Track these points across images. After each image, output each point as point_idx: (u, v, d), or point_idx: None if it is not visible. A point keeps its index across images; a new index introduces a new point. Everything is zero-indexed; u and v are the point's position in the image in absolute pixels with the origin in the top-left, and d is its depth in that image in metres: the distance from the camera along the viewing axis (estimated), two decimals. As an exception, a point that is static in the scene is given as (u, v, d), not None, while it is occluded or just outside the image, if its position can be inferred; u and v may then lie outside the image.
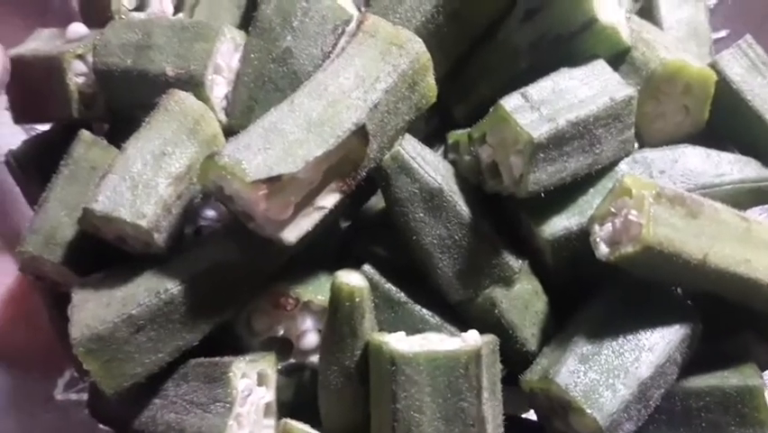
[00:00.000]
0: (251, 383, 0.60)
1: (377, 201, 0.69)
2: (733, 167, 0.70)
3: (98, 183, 0.58)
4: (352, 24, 0.62)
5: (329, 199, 0.59)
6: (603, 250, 0.60)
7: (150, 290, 0.58)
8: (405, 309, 0.64)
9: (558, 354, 0.61)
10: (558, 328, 0.65)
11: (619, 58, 0.68)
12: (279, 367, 0.63)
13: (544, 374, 0.60)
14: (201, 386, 0.59)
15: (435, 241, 0.63)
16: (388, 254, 0.67)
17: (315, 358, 0.63)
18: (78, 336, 0.55)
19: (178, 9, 0.73)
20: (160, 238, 0.58)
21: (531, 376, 0.62)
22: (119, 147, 0.65)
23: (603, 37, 0.65)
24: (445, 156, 0.69)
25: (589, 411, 0.57)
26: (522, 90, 0.63)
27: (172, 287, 0.58)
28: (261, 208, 0.55)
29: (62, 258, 0.62)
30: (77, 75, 0.68)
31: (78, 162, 0.64)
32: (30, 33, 0.72)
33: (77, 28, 0.68)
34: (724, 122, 0.71)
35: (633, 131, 0.66)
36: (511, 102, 0.62)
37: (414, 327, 0.63)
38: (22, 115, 0.72)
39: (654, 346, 0.61)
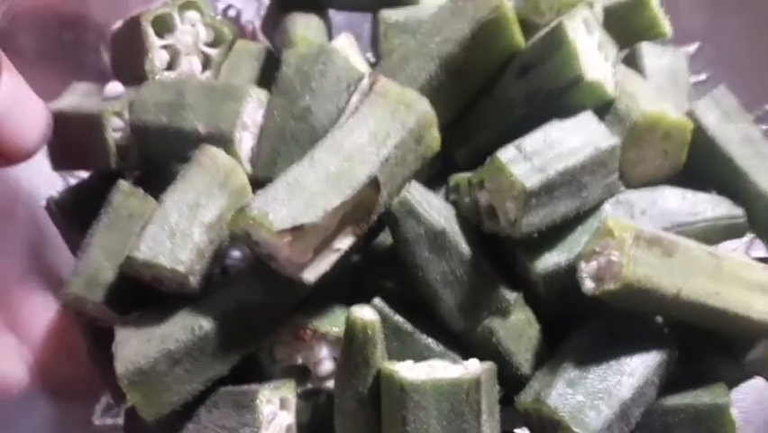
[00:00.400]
0: (275, 408, 0.65)
1: (385, 238, 0.74)
2: (707, 206, 0.76)
3: (140, 233, 0.63)
4: (365, 84, 0.68)
5: (344, 242, 0.65)
6: (589, 285, 0.66)
7: (186, 327, 0.64)
8: (412, 339, 0.70)
9: (549, 378, 0.67)
10: (549, 354, 0.71)
11: (605, 108, 0.74)
12: (299, 392, 0.68)
13: (536, 396, 0.66)
14: (230, 412, 0.64)
15: (439, 277, 0.69)
16: (396, 288, 0.72)
17: (330, 384, 0.68)
18: (123, 370, 0.61)
19: (205, 66, 0.78)
20: (194, 280, 0.64)
21: (525, 398, 0.67)
22: (151, 192, 0.71)
23: (590, 92, 0.71)
24: (447, 196, 0.74)
25: (576, 430, 0.63)
26: (516, 142, 0.69)
27: (205, 324, 0.64)
28: (285, 253, 0.61)
29: (104, 298, 0.67)
30: (115, 130, 0.73)
31: (117, 210, 0.69)
32: (64, 86, 0.77)
33: (115, 87, 0.74)
34: (700, 165, 0.78)
35: (617, 175, 0.72)
36: (507, 153, 0.68)
37: (420, 355, 0.68)
38: (60, 163, 0.78)
39: (634, 371, 0.67)
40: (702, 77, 0.93)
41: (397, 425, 0.62)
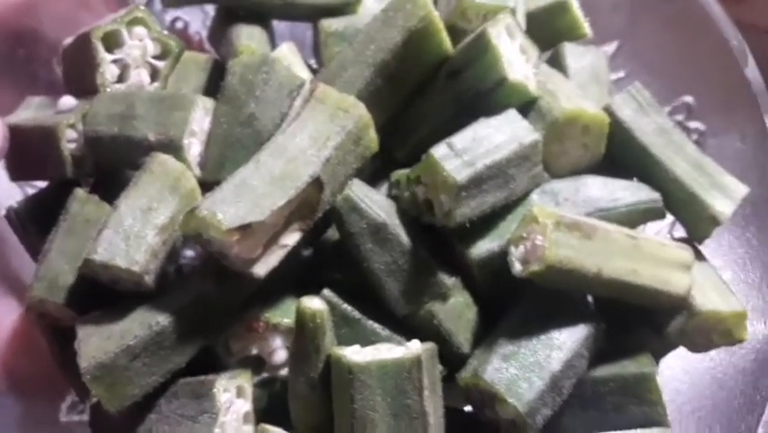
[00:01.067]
0: (232, 396, 0.69)
1: (332, 233, 0.79)
2: (626, 192, 0.81)
3: (96, 237, 0.67)
4: (306, 91, 0.73)
5: (291, 238, 0.70)
6: (517, 268, 0.72)
7: (143, 323, 0.67)
8: (359, 325, 0.74)
9: (485, 354, 0.72)
10: (486, 333, 0.76)
11: (529, 105, 0.80)
12: (255, 381, 0.72)
13: (474, 372, 0.71)
14: (189, 401, 0.68)
15: (383, 266, 0.73)
16: (344, 279, 0.76)
17: (284, 372, 0.73)
18: (86, 365, 0.64)
19: (154, 78, 0.82)
20: (149, 279, 0.68)
21: (465, 374, 0.72)
22: (105, 198, 0.74)
23: (513, 92, 0.77)
24: (389, 192, 0.79)
25: (510, 401, 0.68)
26: (448, 140, 0.74)
27: (162, 320, 0.68)
28: (235, 251, 0.66)
29: (64, 300, 0.71)
30: (70, 141, 0.76)
31: (75, 217, 0.73)
32: (18, 100, 0.80)
33: (68, 100, 0.78)
34: (619, 155, 0.84)
35: (541, 167, 0.78)
36: (439, 151, 0.73)
37: (367, 340, 0.72)
38: (18, 174, 0.81)
39: (563, 345, 0.72)
40: (621, 74, 0.99)
41: (346, 404, 0.66)
